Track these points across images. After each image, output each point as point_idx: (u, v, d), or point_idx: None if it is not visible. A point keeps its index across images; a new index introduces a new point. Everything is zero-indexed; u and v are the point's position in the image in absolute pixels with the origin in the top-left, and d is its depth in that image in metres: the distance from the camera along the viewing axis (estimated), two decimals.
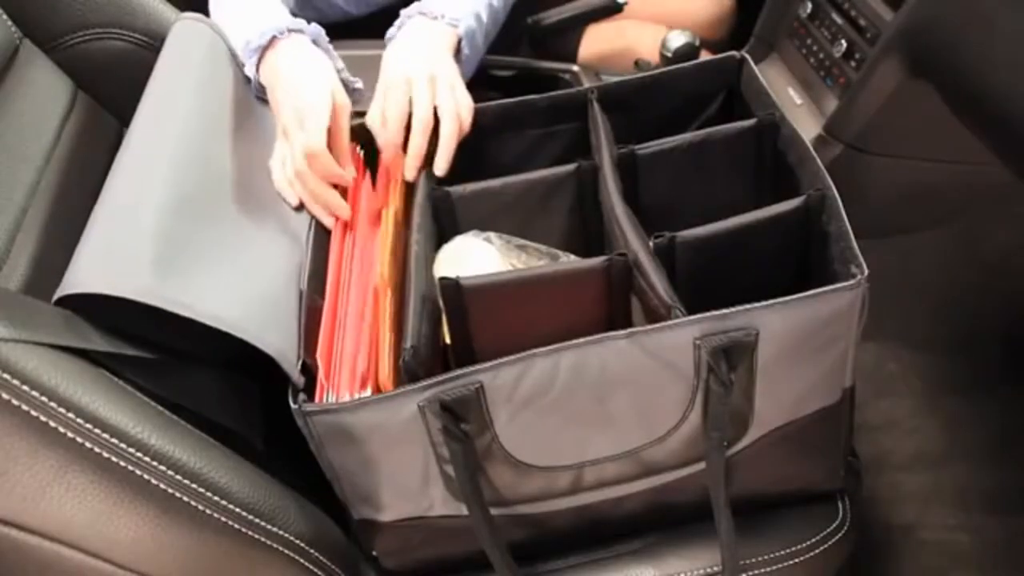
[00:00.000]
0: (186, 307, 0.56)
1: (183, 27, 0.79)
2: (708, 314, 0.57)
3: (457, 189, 0.76)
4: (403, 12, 0.83)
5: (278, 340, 0.60)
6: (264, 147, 0.77)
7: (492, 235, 0.75)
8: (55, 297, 0.55)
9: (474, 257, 0.73)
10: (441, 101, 0.75)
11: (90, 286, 0.54)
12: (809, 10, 1.05)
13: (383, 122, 0.75)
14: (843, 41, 0.96)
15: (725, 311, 0.57)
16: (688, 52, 0.88)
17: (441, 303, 0.63)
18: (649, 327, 0.57)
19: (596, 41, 1.25)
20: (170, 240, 0.59)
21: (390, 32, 0.83)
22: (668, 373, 0.59)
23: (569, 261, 0.74)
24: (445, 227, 0.76)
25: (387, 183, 0.76)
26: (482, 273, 0.64)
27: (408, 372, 0.59)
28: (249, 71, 0.78)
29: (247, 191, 0.70)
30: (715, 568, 0.69)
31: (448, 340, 0.66)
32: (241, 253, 0.64)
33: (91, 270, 0.56)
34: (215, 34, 0.80)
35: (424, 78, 0.75)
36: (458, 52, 0.82)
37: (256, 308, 0.61)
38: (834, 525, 0.71)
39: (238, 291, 0.61)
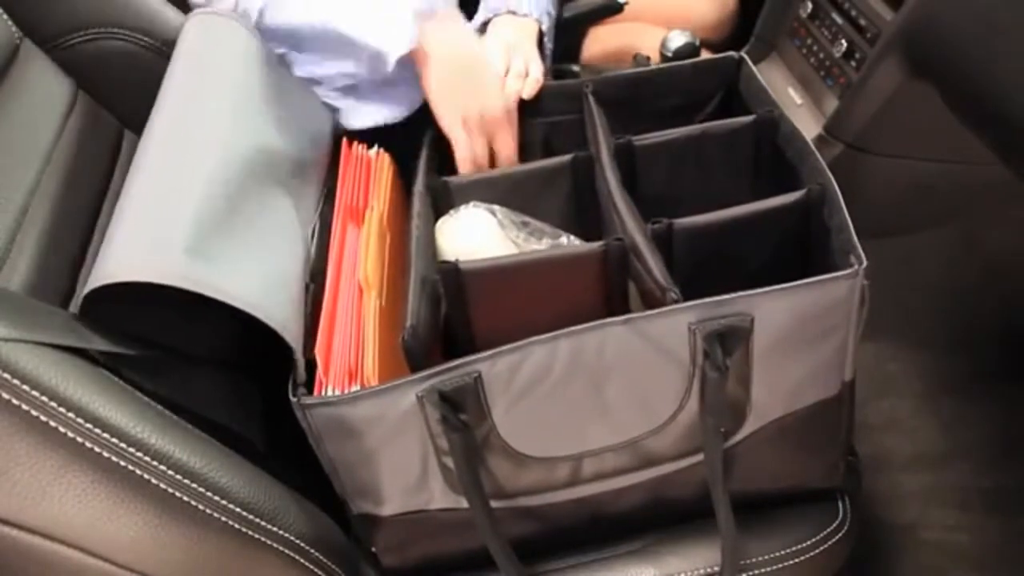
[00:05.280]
0: (218, 290, 0.55)
1: (199, 20, 0.77)
2: (703, 300, 0.57)
3: (455, 178, 0.76)
4: (488, 6, 0.87)
5: (295, 330, 0.60)
6: (289, 131, 0.75)
7: (496, 208, 0.74)
8: (87, 289, 0.54)
9: (476, 230, 0.73)
10: (513, 64, 0.81)
11: (124, 275, 0.53)
12: (809, 10, 1.05)
13: None
14: (843, 41, 0.96)
15: (720, 297, 0.57)
16: (688, 52, 0.88)
17: (440, 286, 0.64)
18: (646, 313, 0.57)
19: (597, 41, 1.24)
20: (206, 228, 0.58)
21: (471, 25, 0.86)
22: (665, 359, 0.59)
23: (567, 245, 0.74)
24: (443, 216, 0.76)
25: (367, 184, 0.75)
26: (482, 245, 0.64)
27: (407, 352, 0.59)
28: (393, 42, 0.77)
29: (268, 178, 0.69)
30: (715, 568, 0.69)
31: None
32: (262, 241, 0.64)
33: (126, 259, 0.55)
34: (233, 22, 0.78)
35: (501, 49, 0.82)
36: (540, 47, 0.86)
37: (277, 297, 0.61)
38: (834, 525, 0.71)
39: (263, 280, 0.61)
